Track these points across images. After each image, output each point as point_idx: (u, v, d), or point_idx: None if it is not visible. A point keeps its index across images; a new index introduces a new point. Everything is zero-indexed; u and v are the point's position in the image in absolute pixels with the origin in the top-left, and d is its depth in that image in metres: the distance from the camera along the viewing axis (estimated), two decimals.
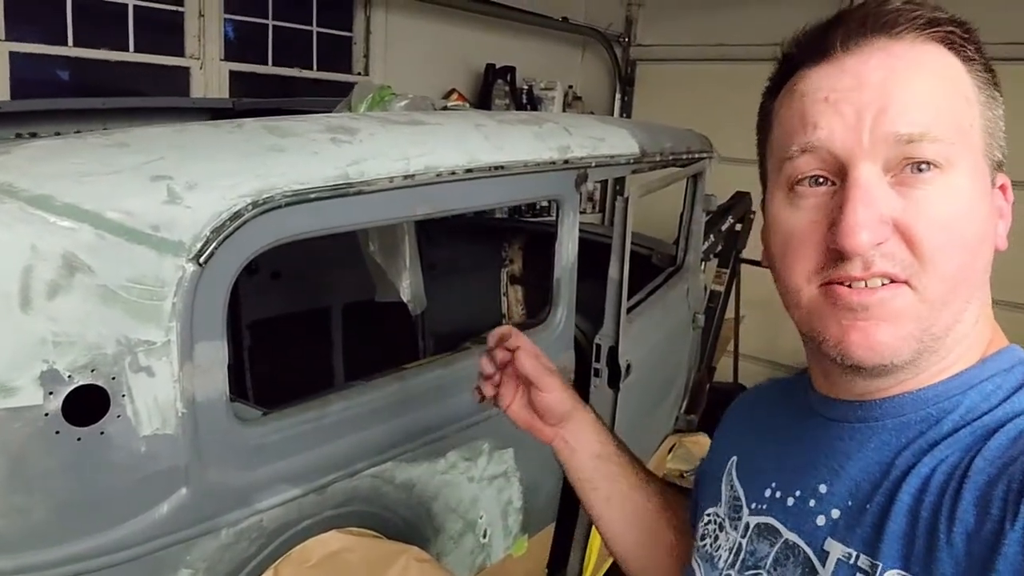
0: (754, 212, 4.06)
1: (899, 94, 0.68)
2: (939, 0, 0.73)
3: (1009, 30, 3.90)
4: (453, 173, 1.51)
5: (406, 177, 1.42)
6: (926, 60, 0.70)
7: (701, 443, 3.56)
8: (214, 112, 2.78)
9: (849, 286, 0.69)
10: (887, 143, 0.67)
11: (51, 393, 1.03)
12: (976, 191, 0.69)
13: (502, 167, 1.63)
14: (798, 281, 0.72)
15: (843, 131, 0.69)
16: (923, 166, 0.67)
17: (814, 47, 0.73)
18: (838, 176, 0.70)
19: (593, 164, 1.90)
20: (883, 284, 0.68)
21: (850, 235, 0.66)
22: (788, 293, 0.74)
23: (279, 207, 1.24)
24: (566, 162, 1.82)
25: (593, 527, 2.17)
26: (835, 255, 0.68)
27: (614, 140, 2.03)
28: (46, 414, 1.03)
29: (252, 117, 1.45)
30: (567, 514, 2.15)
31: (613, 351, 2.00)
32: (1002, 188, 0.75)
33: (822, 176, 0.71)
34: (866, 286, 0.68)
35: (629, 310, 2.09)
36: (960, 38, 0.71)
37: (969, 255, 0.69)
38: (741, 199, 3.96)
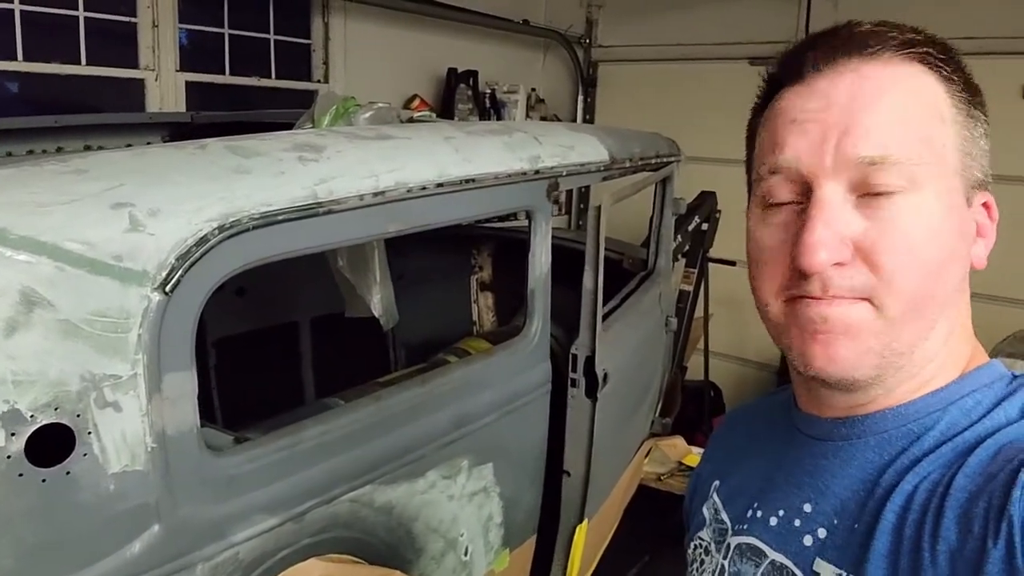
0: (720, 211, 4.08)
1: (864, 116, 0.68)
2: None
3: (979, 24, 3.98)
4: (424, 188, 1.48)
5: (376, 194, 1.39)
6: (898, 80, 0.70)
7: (677, 446, 3.57)
8: (172, 127, 2.72)
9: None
10: (849, 165, 0.68)
11: (13, 434, 0.98)
12: (943, 211, 0.69)
13: (473, 180, 1.61)
14: (767, 297, 0.74)
15: (808, 151, 0.70)
16: (882, 190, 0.68)
17: (792, 68, 0.74)
18: (804, 195, 0.70)
19: (564, 173, 1.89)
20: (845, 299, 0.69)
21: (807, 254, 0.67)
22: (759, 307, 0.76)
23: (247, 230, 1.20)
24: (537, 172, 1.80)
25: (575, 536, 2.16)
26: (798, 274, 0.69)
27: (583, 148, 2.02)
28: (8, 456, 0.99)
29: (212, 132, 1.41)
30: (548, 525, 2.13)
31: (590, 361, 1.99)
32: (985, 206, 0.74)
33: (790, 197, 0.72)
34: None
35: (604, 318, 2.07)
36: (937, 58, 0.71)
37: (932, 276, 0.68)
38: (707, 198, 3.98)
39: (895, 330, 0.69)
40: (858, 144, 0.68)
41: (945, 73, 0.71)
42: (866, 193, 0.68)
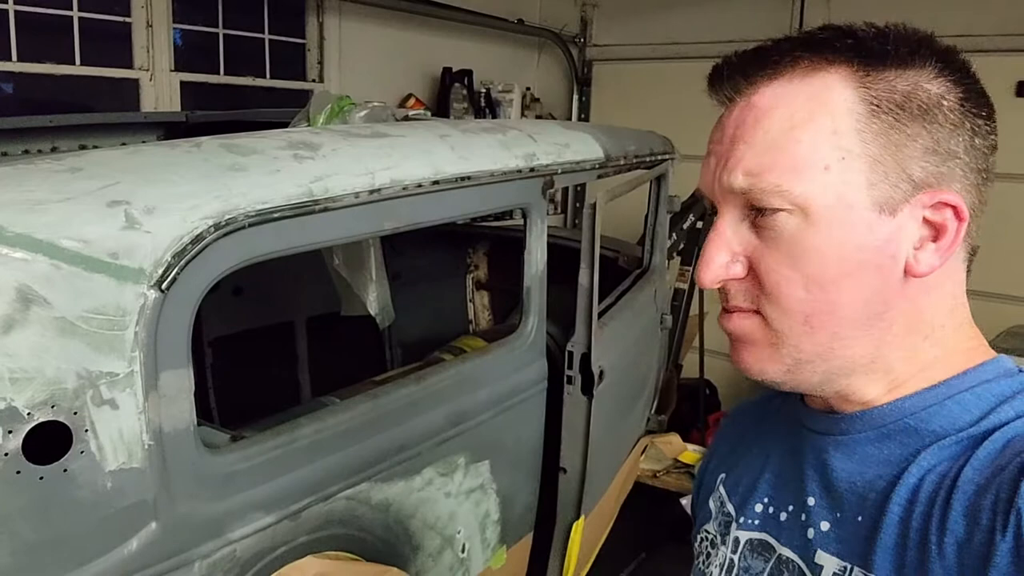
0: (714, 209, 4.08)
1: (737, 147, 0.71)
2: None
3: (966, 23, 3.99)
4: (420, 186, 1.49)
5: (372, 192, 1.40)
6: (785, 101, 0.70)
7: (673, 443, 3.58)
8: (167, 126, 2.71)
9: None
10: (730, 193, 0.72)
11: (10, 432, 0.99)
12: (835, 227, 0.68)
13: (468, 178, 1.61)
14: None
15: (707, 180, 0.75)
16: (765, 211, 0.70)
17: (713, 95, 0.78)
18: None
19: (559, 171, 1.89)
20: (740, 311, 0.74)
21: (698, 272, 0.74)
22: None
23: (242, 228, 1.21)
24: (532, 170, 1.80)
25: (571, 534, 2.16)
26: None
27: (579, 145, 2.02)
28: (5, 454, 0.99)
29: (207, 131, 1.41)
30: (545, 523, 2.13)
31: (586, 358, 1.99)
32: (946, 206, 0.69)
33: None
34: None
35: (599, 315, 2.08)
36: (859, 63, 0.69)
37: (822, 291, 0.69)
38: (701, 196, 3.98)
39: (791, 341, 0.72)
40: (730, 175, 0.71)
41: (867, 77, 0.69)
42: (752, 216, 0.71)
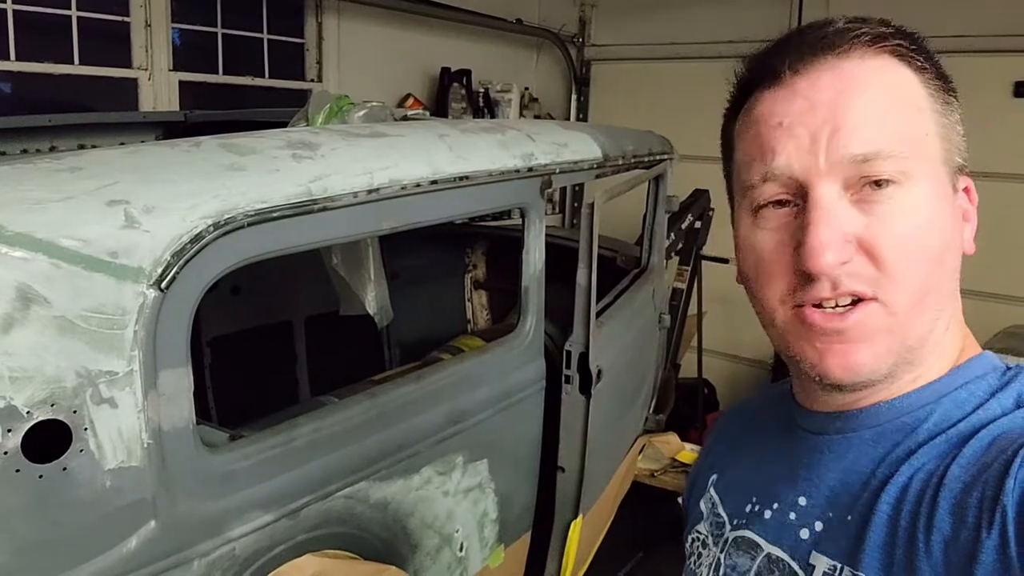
0: (713, 209, 4.10)
1: (850, 114, 0.68)
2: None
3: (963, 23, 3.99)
4: (418, 186, 1.49)
5: (370, 192, 1.40)
6: (875, 75, 0.70)
7: (671, 443, 3.59)
8: (166, 126, 2.72)
9: (821, 307, 0.69)
10: (843, 163, 0.68)
11: (9, 430, 0.99)
12: (937, 200, 0.70)
13: (467, 177, 1.61)
14: (772, 303, 0.73)
15: (800, 155, 0.69)
16: (881, 183, 0.67)
17: (766, 70, 0.74)
18: (800, 197, 0.70)
19: (557, 170, 1.90)
20: (853, 304, 0.68)
21: (814, 256, 0.67)
22: (763, 313, 0.75)
23: (241, 227, 1.21)
24: (530, 170, 1.81)
25: (569, 533, 2.17)
26: (804, 276, 0.69)
27: (577, 145, 2.03)
28: (5, 452, 0.99)
29: (206, 131, 1.41)
30: (542, 522, 2.14)
31: (584, 357, 1.99)
32: (965, 191, 0.75)
33: (785, 198, 0.71)
34: (836, 307, 0.69)
35: (597, 315, 2.08)
36: (909, 49, 0.71)
37: (934, 264, 0.69)
38: (700, 196, 4.00)
39: (906, 325, 0.69)
40: (849, 143, 0.68)
41: (918, 63, 0.72)
42: (861, 190, 0.68)
